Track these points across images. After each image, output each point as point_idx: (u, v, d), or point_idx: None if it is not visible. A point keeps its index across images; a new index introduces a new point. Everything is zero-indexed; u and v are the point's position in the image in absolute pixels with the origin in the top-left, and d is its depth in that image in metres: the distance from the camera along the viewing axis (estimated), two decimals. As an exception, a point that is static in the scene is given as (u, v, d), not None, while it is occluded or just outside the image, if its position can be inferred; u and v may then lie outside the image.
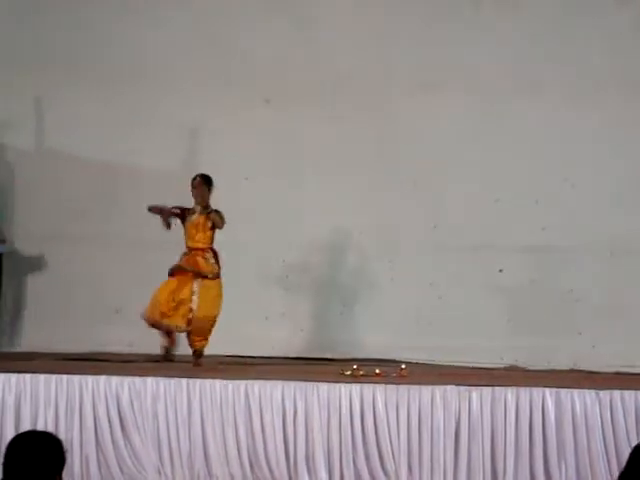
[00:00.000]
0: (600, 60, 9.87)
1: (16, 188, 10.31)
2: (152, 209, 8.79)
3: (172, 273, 8.79)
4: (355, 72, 10.04)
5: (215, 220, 8.76)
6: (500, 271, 9.94)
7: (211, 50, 10.15)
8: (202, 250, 8.81)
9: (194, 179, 8.87)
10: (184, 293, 8.73)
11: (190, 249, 8.82)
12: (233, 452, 7.76)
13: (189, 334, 8.81)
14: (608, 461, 7.66)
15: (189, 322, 8.74)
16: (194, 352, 8.84)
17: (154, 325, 8.76)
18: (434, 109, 9.94)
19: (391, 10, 10.08)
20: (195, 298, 8.74)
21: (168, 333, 8.91)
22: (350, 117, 10.03)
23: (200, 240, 8.81)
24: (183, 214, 8.82)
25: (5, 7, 10.26)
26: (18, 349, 9.94)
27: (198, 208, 8.82)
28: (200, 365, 8.72)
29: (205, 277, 8.76)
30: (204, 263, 8.78)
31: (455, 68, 9.96)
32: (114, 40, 10.16)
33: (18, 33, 10.23)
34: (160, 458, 7.76)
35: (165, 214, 8.79)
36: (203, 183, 8.84)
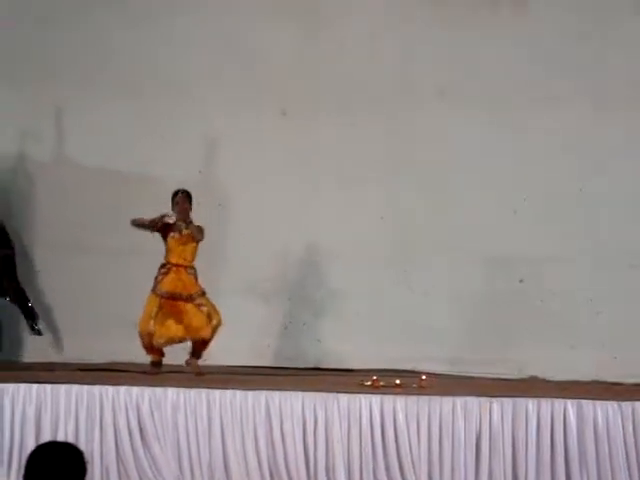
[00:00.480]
0: (618, 69, 9.84)
1: (36, 197, 10.34)
2: (135, 222, 8.79)
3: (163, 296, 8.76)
4: (371, 80, 10.03)
5: (194, 232, 8.75)
6: (520, 282, 9.90)
7: (227, 60, 10.17)
8: (186, 267, 8.81)
9: (176, 194, 8.84)
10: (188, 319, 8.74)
11: (173, 265, 8.79)
12: (253, 463, 7.74)
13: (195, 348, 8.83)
14: (630, 473, 7.62)
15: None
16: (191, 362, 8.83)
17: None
18: (451, 117, 9.92)
19: (407, 17, 10.07)
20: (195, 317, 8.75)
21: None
22: (366, 125, 10.02)
23: (186, 257, 8.81)
24: (165, 229, 8.81)
25: (25, 19, 10.30)
26: (38, 360, 9.94)
27: (182, 225, 8.82)
28: (202, 374, 8.69)
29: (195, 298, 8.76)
30: (191, 283, 8.78)
31: (471, 75, 9.95)
32: (132, 51, 10.18)
33: (38, 44, 10.25)
34: (180, 468, 7.75)
35: (148, 228, 8.80)
36: (186, 198, 8.84)
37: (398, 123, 10.06)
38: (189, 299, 8.77)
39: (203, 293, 8.83)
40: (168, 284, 8.77)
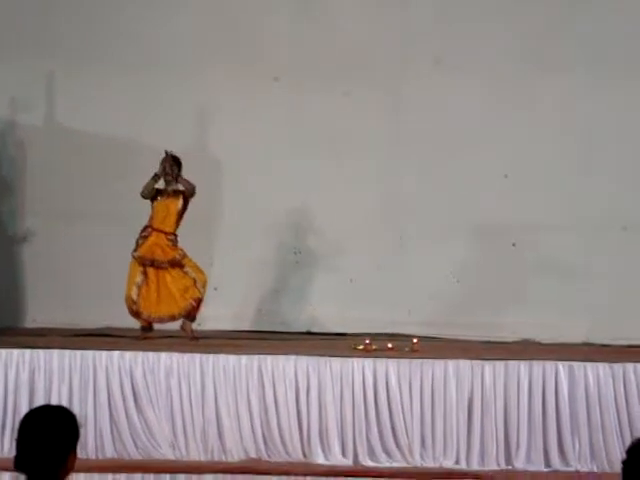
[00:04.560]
0: (616, 38, 9.81)
1: (27, 166, 10.31)
2: (143, 193, 8.79)
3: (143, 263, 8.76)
4: (368, 51, 10.00)
5: (184, 184, 8.73)
6: (513, 245, 9.92)
7: (221, 30, 10.11)
8: (166, 234, 8.81)
9: (165, 157, 8.81)
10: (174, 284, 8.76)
11: (154, 230, 8.79)
12: (246, 427, 7.78)
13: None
14: (621, 434, 7.67)
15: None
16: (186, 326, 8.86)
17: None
18: (448, 88, 9.91)
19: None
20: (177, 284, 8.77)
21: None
22: (363, 96, 10.00)
23: (168, 224, 8.80)
24: (156, 194, 8.81)
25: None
26: (31, 325, 9.97)
27: (170, 189, 8.82)
28: (197, 339, 8.72)
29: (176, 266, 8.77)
30: (170, 248, 8.78)
31: (469, 47, 9.92)
32: (125, 21, 10.14)
33: (31, 13, 10.20)
34: (174, 433, 7.79)
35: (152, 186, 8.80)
36: (172, 160, 8.81)
37: (393, 91, 10.05)
38: (173, 264, 8.77)
39: (184, 256, 8.83)
40: (145, 249, 8.78)
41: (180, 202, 8.84)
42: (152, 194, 8.83)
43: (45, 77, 10.16)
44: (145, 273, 8.78)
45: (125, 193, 9.75)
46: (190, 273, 8.79)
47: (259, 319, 10.01)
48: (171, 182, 8.85)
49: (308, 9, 10.13)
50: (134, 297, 8.72)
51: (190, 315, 8.86)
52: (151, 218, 8.86)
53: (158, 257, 8.78)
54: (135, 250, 8.80)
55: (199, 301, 8.80)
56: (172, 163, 8.84)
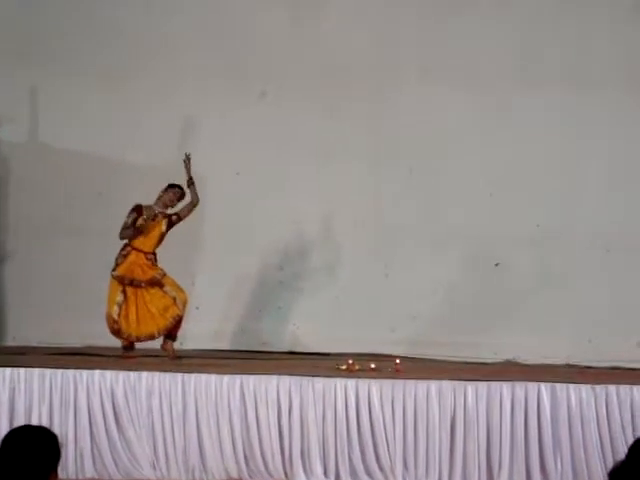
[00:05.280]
0: (600, 50, 9.84)
1: (10, 181, 10.27)
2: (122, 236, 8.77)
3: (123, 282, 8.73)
4: (352, 63, 10.01)
5: (194, 197, 8.71)
6: (496, 265, 9.92)
7: (208, 43, 10.12)
8: (146, 253, 8.77)
9: (173, 187, 8.76)
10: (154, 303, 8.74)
11: (133, 249, 8.74)
12: (228, 447, 7.74)
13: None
14: (604, 455, 7.66)
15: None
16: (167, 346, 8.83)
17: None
18: (431, 100, 9.92)
19: (391, 2, 10.05)
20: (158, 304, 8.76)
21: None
22: (346, 108, 10.00)
23: (148, 244, 8.77)
24: (138, 211, 8.77)
25: (2, 1, 10.22)
26: (11, 343, 9.91)
27: (161, 215, 8.78)
28: (179, 358, 8.69)
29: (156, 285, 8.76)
30: (149, 267, 8.75)
31: (453, 58, 9.94)
32: (109, 34, 10.13)
33: (14, 25, 10.19)
34: (155, 452, 7.74)
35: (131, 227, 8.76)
36: (177, 195, 8.78)
37: (380, 103, 10.04)
38: (152, 283, 8.74)
39: (164, 275, 8.80)
40: (124, 268, 8.73)
41: (165, 225, 8.80)
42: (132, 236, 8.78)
43: (28, 93, 10.14)
44: (124, 292, 8.74)
45: (106, 210, 9.74)
46: (170, 292, 8.75)
47: (241, 338, 9.98)
48: (156, 215, 8.79)
49: (294, 22, 10.13)
50: (115, 316, 8.69)
51: (171, 334, 8.82)
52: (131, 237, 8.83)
53: (137, 276, 8.75)
54: (114, 269, 8.76)
55: (179, 320, 8.76)
56: (180, 197, 8.79)
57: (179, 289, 8.78)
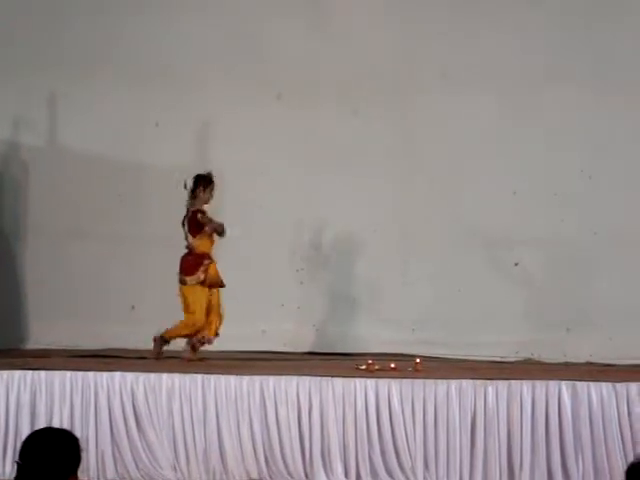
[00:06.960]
0: (619, 51, 9.81)
1: (30, 185, 10.31)
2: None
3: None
4: (373, 68, 10.01)
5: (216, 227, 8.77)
6: (516, 265, 9.90)
7: (226, 46, 10.13)
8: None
9: (208, 183, 8.74)
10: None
11: (207, 256, 8.79)
12: (248, 448, 7.74)
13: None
14: (625, 454, 7.61)
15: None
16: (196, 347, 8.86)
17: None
18: (452, 105, 9.90)
19: (411, 5, 10.04)
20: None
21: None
22: (367, 113, 10.01)
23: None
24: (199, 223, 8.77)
25: (21, 6, 10.26)
26: (33, 346, 9.94)
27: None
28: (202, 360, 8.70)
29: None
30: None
31: (474, 64, 9.92)
32: (128, 38, 10.16)
33: (33, 31, 10.23)
34: (175, 454, 7.75)
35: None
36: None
37: (399, 106, 10.04)
38: (220, 284, 8.81)
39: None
40: (215, 275, 8.76)
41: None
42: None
43: (46, 97, 10.17)
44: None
45: (126, 213, 9.77)
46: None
47: (262, 339, 9.98)
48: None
49: (313, 26, 10.14)
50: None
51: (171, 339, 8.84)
52: (201, 245, 8.75)
53: (218, 280, 8.82)
54: (204, 280, 8.69)
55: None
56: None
57: None
